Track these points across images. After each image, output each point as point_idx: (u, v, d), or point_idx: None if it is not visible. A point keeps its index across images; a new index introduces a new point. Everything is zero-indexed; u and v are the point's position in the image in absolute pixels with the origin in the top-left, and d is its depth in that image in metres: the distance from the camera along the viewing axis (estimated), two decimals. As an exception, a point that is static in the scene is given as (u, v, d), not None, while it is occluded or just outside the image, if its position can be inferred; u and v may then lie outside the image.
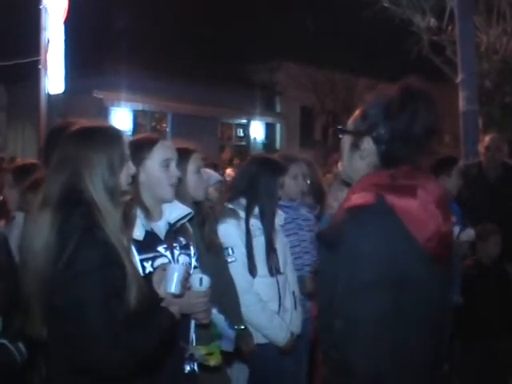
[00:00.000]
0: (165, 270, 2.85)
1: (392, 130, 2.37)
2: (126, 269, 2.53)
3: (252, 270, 4.17)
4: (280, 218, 4.45)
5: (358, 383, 2.19)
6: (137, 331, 2.53)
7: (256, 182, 4.28)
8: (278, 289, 4.31)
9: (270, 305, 4.24)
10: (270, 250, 4.26)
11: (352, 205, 2.30)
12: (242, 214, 4.24)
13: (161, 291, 2.79)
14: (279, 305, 4.31)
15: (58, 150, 2.67)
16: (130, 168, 2.74)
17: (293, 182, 4.81)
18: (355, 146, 2.47)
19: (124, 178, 2.70)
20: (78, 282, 2.41)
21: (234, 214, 4.21)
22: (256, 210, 4.26)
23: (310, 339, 4.96)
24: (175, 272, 2.79)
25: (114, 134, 2.72)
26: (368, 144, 2.43)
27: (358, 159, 2.46)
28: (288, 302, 4.40)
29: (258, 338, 4.18)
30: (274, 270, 4.27)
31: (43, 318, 2.52)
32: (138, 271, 2.78)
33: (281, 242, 4.42)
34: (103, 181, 2.58)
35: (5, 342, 2.89)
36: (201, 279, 2.96)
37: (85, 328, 2.39)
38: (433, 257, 2.25)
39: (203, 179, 3.77)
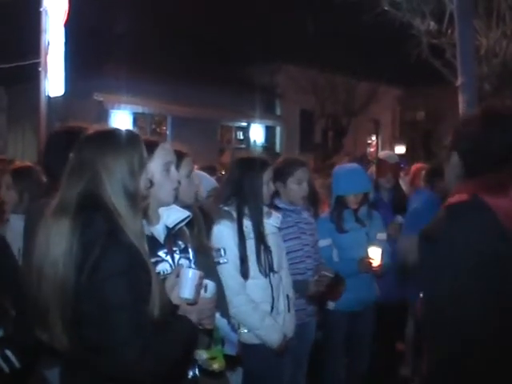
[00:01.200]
0: (178, 275, 2.82)
1: (474, 145, 2.59)
2: (151, 272, 2.50)
3: (244, 272, 4.17)
4: (276, 219, 4.44)
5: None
6: (163, 338, 2.49)
7: (241, 182, 4.29)
8: (272, 291, 4.30)
9: (262, 306, 4.23)
10: (261, 250, 4.24)
11: (449, 203, 2.52)
12: (235, 215, 4.25)
13: (174, 297, 2.74)
14: (272, 307, 4.30)
15: (74, 155, 2.60)
16: (148, 172, 2.70)
17: (297, 187, 4.81)
18: (447, 160, 2.75)
19: (143, 183, 2.65)
20: (106, 287, 2.36)
21: (228, 215, 4.21)
22: (246, 211, 4.26)
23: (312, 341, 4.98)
24: (189, 276, 2.76)
25: (133, 138, 2.66)
26: (454, 158, 2.67)
27: (449, 171, 2.74)
28: (281, 304, 4.39)
29: (253, 339, 4.18)
30: (266, 271, 4.25)
31: (64, 326, 2.44)
32: (159, 276, 2.74)
33: (276, 244, 4.41)
34: (123, 186, 2.52)
35: None
36: (206, 286, 2.89)
37: (114, 334, 2.35)
38: None
39: (194, 183, 3.74)
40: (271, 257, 4.32)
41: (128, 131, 2.72)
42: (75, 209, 2.46)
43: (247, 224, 4.24)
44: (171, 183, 3.15)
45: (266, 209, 4.38)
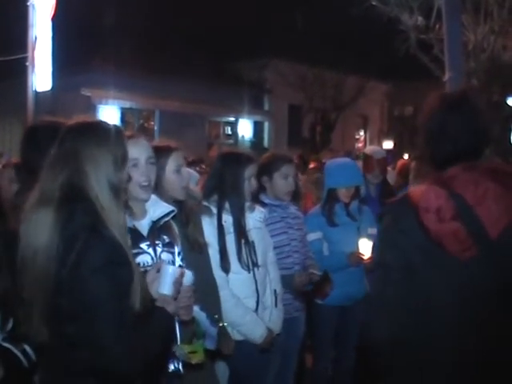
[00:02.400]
0: (159, 270, 2.81)
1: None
2: (133, 267, 2.49)
3: (224, 266, 4.14)
4: (259, 214, 4.43)
5: None
6: (144, 331, 2.48)
7: (223, 177, 4.29)
8: (256, 286, 4.29)
9: (246, 302, 4.21)
10: (241, 244, 4.23)
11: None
12: (216, 210, 4.23)
13: (153, 291, 2.72)
14: (257, 302, 4.29)
15: (56, 146, 2.56)
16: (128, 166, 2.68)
17: (283, 182, 4.80)
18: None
19: (126, 175, 2.64)
20: (88, 282, 2.34)
21: (207, 210, 4.18)
22: (227, 206, 4.25)
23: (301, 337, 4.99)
24: (169, 272, 2.76)
25: (117, 131, 2.64)
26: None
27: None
28: (268, 299, 4.38)
29: (236, 336, 4.15)
30: (249, 265, 4.24)
31: (44, 318, 2.43)
32: (140, 269, 2.73)
33: (260, 239, 4.39)
34: (108, 178, 2.50)
35: (10, 346, 2.72)
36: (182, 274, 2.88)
37: (96, 329, 2.34)
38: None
39: (183, 178, 3.71)
40: (254, 252, 4.31)
41: (111, 124, 2.69)
42: (58, 201, 2.44)
43: (227, 218, 4.22)
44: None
45: (248, 204, 4.37)
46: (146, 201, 3.23)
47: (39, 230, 2.42)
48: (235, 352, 4.01)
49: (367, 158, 6.23)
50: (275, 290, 4.44)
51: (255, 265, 4.29)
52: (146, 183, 3.20)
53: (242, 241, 4.25)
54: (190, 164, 7.60)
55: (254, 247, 4.31)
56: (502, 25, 16.61)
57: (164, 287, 2.73)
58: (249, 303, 4.24)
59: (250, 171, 4.30)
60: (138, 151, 3.20)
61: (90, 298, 2.34)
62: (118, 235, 2.45)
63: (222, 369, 4.21)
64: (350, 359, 5.39)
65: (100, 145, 2.53)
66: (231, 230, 4.23)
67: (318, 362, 5.38)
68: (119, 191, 2.56)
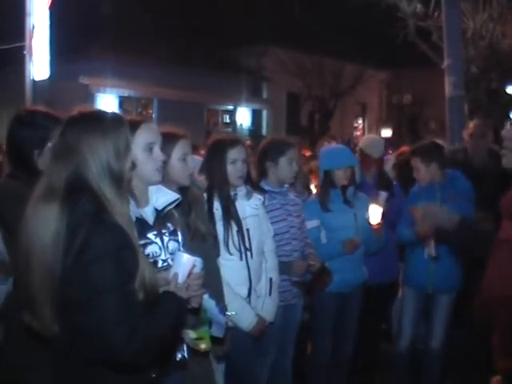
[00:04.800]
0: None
1: None
2: (138, 253, 2.49)
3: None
4: (256, 201, 4.43)
5: None
6: (151, 318, 2.48)
7: (208, 162, 4.31)
8: (249, 273, 4.29)
9: (238, 289, 4.20)
10: (229, 231, 4.21)
11: None
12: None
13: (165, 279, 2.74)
14: (249, 289, 4.29)
15: (58, 138, 2.55)
16: (132, 155, 2.67)
17: (288, 167, 4.80)
18: None
19: (128, 165, 2.62)
20: (93, 269, 2.34)
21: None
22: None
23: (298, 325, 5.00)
24: (183, 262, 2.77)
25: (118, 120, 2.62)
26: None
27: None
28: (263, 287, 4.39)
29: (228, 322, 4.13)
30: (241, 252, 4.24)
31: (54, 311, 2.42)
32: (146, 258, 2.73)
33: (256, 227, 4.39)
34: (109, 168, 2.49)
35: None
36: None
37: (102, 317, 2.33)
38: None
39: (189, 166, 3.68)
40: (249, 239, 4.30)
41: (112, 113, 2.68)
42: (63, 193, 2.43)
43: (218, 206, 4.22)
44: (153, 163, 3.08)
45: (244, 190, 4.36)
46: (157, 183, 3.19)
47: (46, 223, 2.41)
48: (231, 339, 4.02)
49: (364, 157, 6.17)
50: (271, 279, 4.45)
51: (248, 252, 4.29)
52: (161, 167, 3.15)
53: (231, 227, 4.23)
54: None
55: (248, 235, 4.31)
56: (501, 12, 16.58)
57: (177, 275, 2.73)
58: (240, 291, 4.23)
59: (235, 154, 4.27)
60: (154, 135, 3.14)
61: (93, 283, 2.34)
62: (122, 223, 2.45)
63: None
64: (348, 346, 5.40)
65: (100, 135, 2.51)
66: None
67: (317, 350, 5.38)
68: (121, 180, 2.55)
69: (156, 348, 2.52)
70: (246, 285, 4.28)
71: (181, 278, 2.73)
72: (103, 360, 2.43)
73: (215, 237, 4.15)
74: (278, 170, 4.81)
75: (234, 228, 4.25)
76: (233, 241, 4.22)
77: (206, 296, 3.19)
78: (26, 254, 2.44)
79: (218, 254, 4.15)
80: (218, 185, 4.25)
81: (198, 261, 2.88)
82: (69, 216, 2.38)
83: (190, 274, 2.79)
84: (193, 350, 3.24)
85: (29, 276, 2.44)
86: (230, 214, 4.25)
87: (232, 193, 4.29)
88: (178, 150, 3.61)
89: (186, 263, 2.77)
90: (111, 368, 2.47)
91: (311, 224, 5.12)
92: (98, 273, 2.34)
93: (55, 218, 2.39)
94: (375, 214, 5.10)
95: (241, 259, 4.25)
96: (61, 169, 2.48)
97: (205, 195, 4.21)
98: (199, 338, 3.16)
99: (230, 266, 4.19)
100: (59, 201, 2.42)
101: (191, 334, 3.15)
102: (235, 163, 4.25)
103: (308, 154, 9.18)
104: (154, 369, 2.65)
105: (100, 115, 2.63)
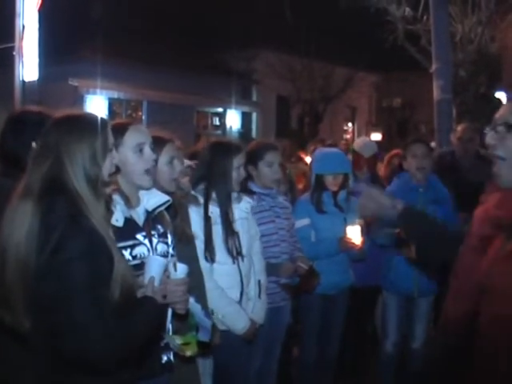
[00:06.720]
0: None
1: None
2: (114, 258, 2.50)
3: (209, 256, 4.15)
4: (246, 204, 4.43)
5: None
6: (125, 320, 2.49)
7: (210, 166, 4.29)
8: (241, 277, 4.30)
9: (230, 292, 4.21)
10: (228, 235, 4.23)
11: None
12: (202, 200, 4.23)
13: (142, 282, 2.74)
14: (241, 293, 4.30)
15: (41, 138, 2.60)
16: (113, 157, 2.69)
17: (268, 170, 4.80)
18: None
19: (107, 168, 2.64)
20: (66, 270, 2.36)
21: (195, 200, 4.18)
22: (214, 196, 4.25)
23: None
24: (157, 264, 2.77)
25: (98, 123, 2.64)
26: None
27: None
28: (252, 290, 4.40)
29: (220, 325, 4.12)
30: (234, 256, 4.25)
31: (26, 308, 2.44)
32: (125, 260, 2.74)
33: (245, 230, 4.39)
34: (84, 171, 2.52)
35: None
36: (175, 265, 2.88)
37: (73, 317, 2.35)
38: None
39: (175, 170, 3.69)
40: (239, 242, 4.31)
41: (96, 116, 2.71)
42: (38, 192, 2.46)
43: (214, 210, 4.22)
44: (144, 164, 3.11)
45: (236, 194, 4.37)
46: (148, 188, 3.20)
47: (21, 220, 2.44)
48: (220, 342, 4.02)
49: (356, 156, 6.21)
50: (259, 281, 4.45)
51: (240, 255, 4.29)
52: (152, 168, 3.17)
53: (229, 232, 4.24)
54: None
55: (238, 238, 4.31)
56: (490, 16, 16.64)
57: (153, 279, 2.73)
58: (232, 294, 4.24)
59: (238, 160, 4.29)
60: (143, 136, 3.16)
61: (65, 285, 2.36)
62: (98, 226, 2.47)
63: (207, 362, 4.23)
64: (334, 348, 5.41)
65: (77, 138, 2.55)
66: (218, 220, 4.23)
67: (303, 351, 5.39)
68: (97, 184, 2.57)
69: (129, 350, 2.53)
70: (239, 288, 4.29)
71: (157, 282, 2.73)
72: (74, 360, 2.44)
73: (208, 240, 4.15)
74: (258, 173, 4.82)
75: (229, 232, 4.27)
76: (229, 244, 4.24)
77: (191, 300, 3.19)
78: (2, 251, 2.47)
79: (212, 259, 4.15)
80: (221, 187, 4.26)
81: (183, 267, 2.89)
82: (44, 216, 2.40)
83: (167, 276, 2.81)
84: (178, 355, 3.24)
85: (3, 271, 2.46)
86: (229, 218, 4.27)
87: None
88: (165, 155, 3.61)
89: (160, 266, 2.78)
90: (83, 368, 2.47)
91: (302, 222, 5.13)
92: (70, 273, 2.36)
93: (29, 216, 2.42)
94: (354, 234, 5.00)
95: (233, 263, 4.26)
96: (38, 169, 2.52)
97: (199, 199, 4.21)
98: (185, 344, 3.16)
99: (225, 270, 4.21)
100: (35, 200, 2.44)
101: (177, 340, 3.14)
102: (238, 169, 4.28)
103: (300, 156, 9.14)
104: (128, 371, 2.64)
105: (81, 118, 2.67)
